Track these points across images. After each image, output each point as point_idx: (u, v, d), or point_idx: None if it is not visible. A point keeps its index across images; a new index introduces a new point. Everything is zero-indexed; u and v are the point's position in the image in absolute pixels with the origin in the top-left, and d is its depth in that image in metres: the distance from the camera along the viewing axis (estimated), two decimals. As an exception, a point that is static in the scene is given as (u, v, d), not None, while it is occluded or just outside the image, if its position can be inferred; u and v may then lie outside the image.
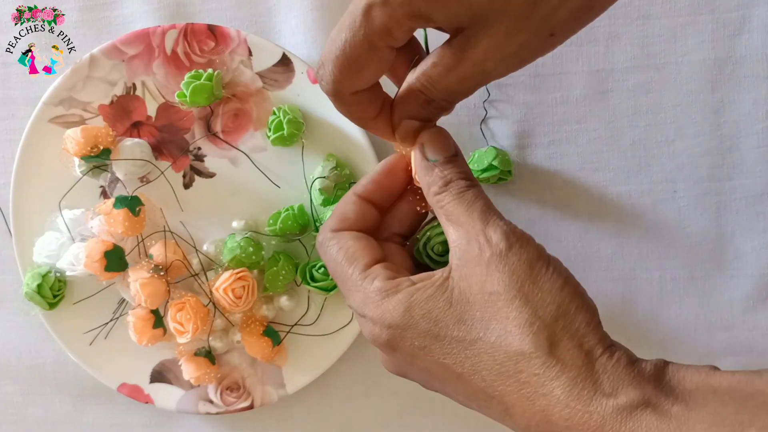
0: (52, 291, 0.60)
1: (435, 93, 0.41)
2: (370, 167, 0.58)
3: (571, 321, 0.38)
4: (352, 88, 0.42)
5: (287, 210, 0.58)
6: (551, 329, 0.38)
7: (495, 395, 0.39)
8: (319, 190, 0.58)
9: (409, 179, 0.46)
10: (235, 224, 0.60)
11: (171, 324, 0.58)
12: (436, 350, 0.40)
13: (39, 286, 0.59)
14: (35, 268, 0.60)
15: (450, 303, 0.40)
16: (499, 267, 0.39)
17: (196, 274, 0.60)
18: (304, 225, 0.59)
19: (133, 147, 0.59)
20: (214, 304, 0.59)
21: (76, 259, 0.58)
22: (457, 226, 0.41)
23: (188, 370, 0.60)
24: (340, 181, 0.58)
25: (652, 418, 0.36)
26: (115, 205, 0.57)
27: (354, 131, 0.58)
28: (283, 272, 0.59)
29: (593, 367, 0.37)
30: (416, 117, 0.43)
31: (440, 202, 0.42)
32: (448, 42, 0.39)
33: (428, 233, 0.46)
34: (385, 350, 0.42)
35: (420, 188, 0.44)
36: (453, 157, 0.43)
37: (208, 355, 0.61)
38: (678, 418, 0.35)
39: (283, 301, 0.60)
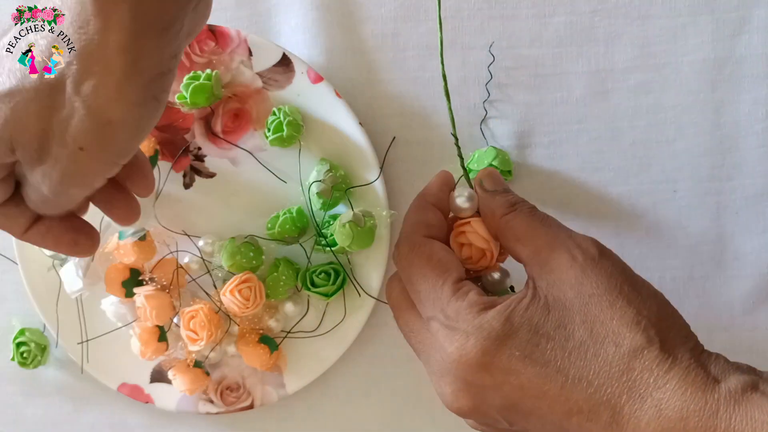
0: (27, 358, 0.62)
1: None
2: (369, 168, 0.58)
3: (673, 322, 0.40)
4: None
5: (285, 213, 0.58)
6: (658, 327, 0.39)
7: (603, 401, 0.38)
8: (317, 194, 0.57)
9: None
10: (201, 243, 0.60)
11: (184, 332, 0.58)
12: (539, 359, 0.39)
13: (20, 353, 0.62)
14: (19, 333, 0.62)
15: (548, 309, 0.39)
16: (595, 270, 0.40)
17: (203, 275, 0.60)
18: (303, 228, 0.59)
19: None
20: (224, 311, 0.59)
21: (73, 281, 0.59)
22: (531, 241, 0.42)
23: (183, 382, 0.59)
24: (336, 183, 0.58)
25: (763, 400, 0.37)
26: (119, 238, 0.58)
27: (354, 132, 0.58)
28: (284, 278, 0.59)
29: (700, 358, 0.39)
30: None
31: (509, 222, 0.43)
32: None
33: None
34: (472, 371, 0.40)
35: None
36: (508, 189, 0.45)
37: (202, 366, 0.61)
38: None
39: (288, 307, 0.60)
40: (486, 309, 0.40)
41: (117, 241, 0.58)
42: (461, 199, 0.46)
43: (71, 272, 0.59)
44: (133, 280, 0.59)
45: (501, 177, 0.46)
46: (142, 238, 0.58)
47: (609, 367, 0.38)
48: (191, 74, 0.57)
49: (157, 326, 0.59)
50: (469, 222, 0.46)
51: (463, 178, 0.48)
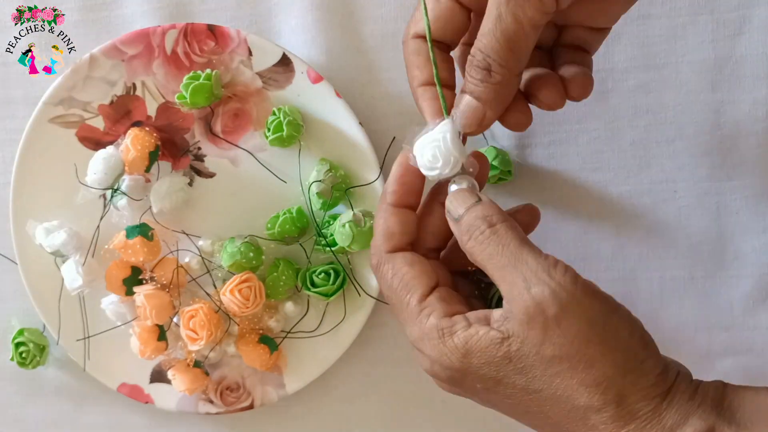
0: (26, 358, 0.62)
1: (473, 52, 0.41)
2: (369, 168, 0.58)
3: (640, 374, 0.39)
4: (414, 28, 0.45)
5: (285, 213, 0.58)
6: (620, 385, 0.38)
7: (565, 429, 0.40)
8: (317, 194, 0.57)
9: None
10: (201, 243, 0.60)
11: (183, 331, 0.58)
12: (500, 391, 0.40)
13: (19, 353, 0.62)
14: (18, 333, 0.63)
15: (509, 358, 0.39)
16: (557, 330, 0.38)
17: (205, 274, 0.60)
18: (302, 228, 0.59)
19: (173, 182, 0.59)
20: (224, 311, 0.59)
21: (74, 278, 0.59)
22: (496, 278, 0.40)
23: (183, 381, 0.59)
24: (336, 183, 0.58)
25: None
26: (127, 236, 0.58)
27: (353, 132, 0.58)
28: (284, 278, 0.59)
29: (660, 408, 0.38)
30: (467, 90, 0.43)
31: (472, 256, 0.41)
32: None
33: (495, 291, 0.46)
34: (445, 385, 0.43)
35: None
36: (473, 205, 0.42)
37: (201, 366, 0.61)
38: None
39: (288, 307, 0.60)
40: (445, 336, 0.41)
41: (124, 240, 0.58)
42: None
43: (71, 270, 0.59)
44: (134, 277, 0.59)
45: (462, 195, 0.43)
46: (151, 238, 0.58)
47: (567, 411, 0.39)
48: (191, 74, 0.57)
49: (157, 325, 0.59)
50: None
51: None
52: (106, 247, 0.59)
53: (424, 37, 0.44)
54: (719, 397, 0.39)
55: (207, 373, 0.61)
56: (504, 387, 0.40)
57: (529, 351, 0.39)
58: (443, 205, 0.44)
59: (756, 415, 0.38)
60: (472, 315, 0.41)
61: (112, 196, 0.59)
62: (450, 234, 0.45)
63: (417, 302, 0.42)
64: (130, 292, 0.59)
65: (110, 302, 0.60)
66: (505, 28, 0.40)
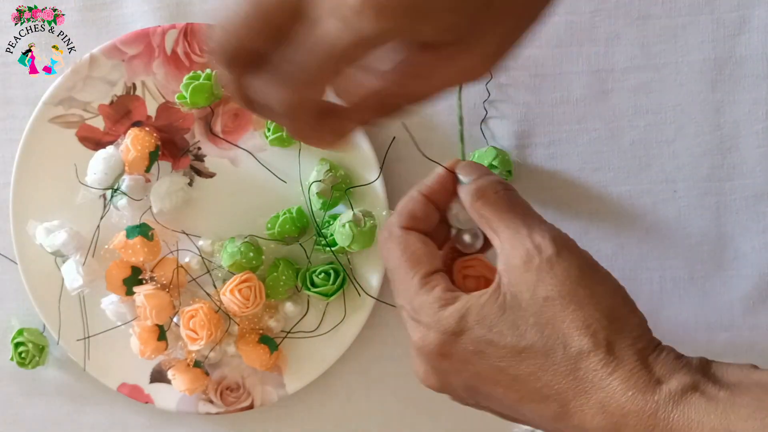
0: (26, 357, 0.62)
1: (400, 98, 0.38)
2: (369, 168, 0.58)
3: (625, 324, 0.40)
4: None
5: (285, 213, 0.58)
6: (608, 330, 0.40)
7: (551, 394, 0.40)
8: (317, 194, 0.57)
9: None
10: (201, 243, 0.60)
11: (183, 331, 0.58)
12: (492, 354, 0.41)
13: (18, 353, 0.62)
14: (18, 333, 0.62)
15: (503, 309, 0.41)
16: (550, 272, 0.40)
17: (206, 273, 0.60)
18: (302, 228, 0.59)
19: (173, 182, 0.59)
20: (224, 310, 0.59)
21: (74, 278, 0.59)
22: (501, 231, 0.42)
23: (183, 381, 0.59)
24: (336, 183, 0.58)
25: (701, 401, 0.38)
26: (127, 236, 0.58)
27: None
28: (283, 278, 0.59)
29: (646, 360, 0.40)
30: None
31: (479, 211, 0.44)
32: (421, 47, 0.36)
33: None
34: (433, 358, 0.43)
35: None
36: (488, 172, 0.45)
37: (201, 366, 0.61)
38: (724, 402, 0.38)
39: (288, 307, 0.60)
40: (446, 305, 0.42)
41: (124, 240, 0.58)
42: (467, 236, 0.47)
43: (72, 270, 0.59)
44: (134, 277, 0.59)
45: (478, 166, 0.46)
46: (151, 238, 0.58)
47: (557, 366, 0.40)
48: (191, 74, 0.57)
49: (157, 325, 0.59)
50: (476, 257, 0.47)
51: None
52: (107, 247, 0.59)
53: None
54: (704, 366, 0.40)
55: (207, 373, 0.61)
56: (495, 348, 0.40)
57: (522, 296, 0.40)
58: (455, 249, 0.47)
59: (739, 384, 0.39)
60: (472, 293, 0.43)
61: (112, 196, 0.59)
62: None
63: (423, 275, 0.43)
64: (130, 292, 0.59)
65: (110, 302, 0.60)
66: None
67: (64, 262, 0.60)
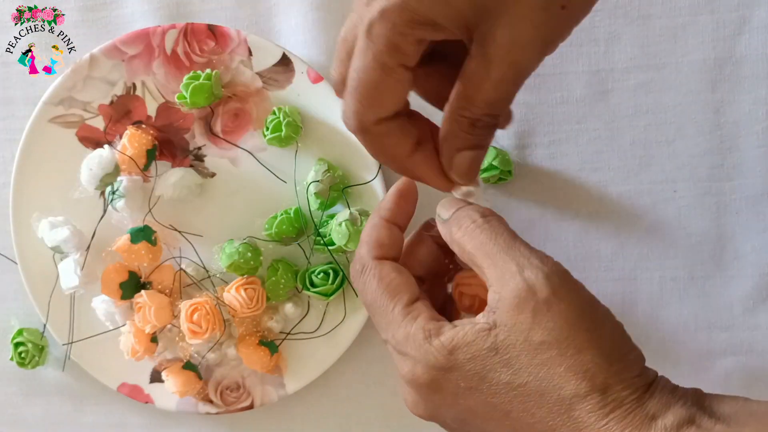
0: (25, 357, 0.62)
1: (476, 111, 0.39)
2: (368, 169, 0.58)
3: (624, 365, 0.39)
4: (375, 116, 0.40)
5: (283, 214, 0.58)
6: (606, 374, 0.38)
7: (546, 430, 0.39)
8: (315, 194, 0.58)
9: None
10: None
11: (185, 325, 0.58)
12: (484, 390, 0.40)
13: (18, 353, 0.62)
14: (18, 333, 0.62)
15: (495, 350, 0.39)
16: (546, 315, 0.38)
17: (208, 276, 0.60)
18: (300, 228, 0.59)
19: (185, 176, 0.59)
20: (224, 305, 0.59)
21: (70, 278, 0.59)
22: (486, 268, 0.40)
23: (175, 383, 0.59)
24: (333, 184, 0.58)
25: None
26: (132, 240, 0.58)
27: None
28: (283, 281, 0.59)
29: (641, 399, 0.38)
30: (467, 146, 0.41)
31: (459, 244, 0.41)
32: (469, 54, 0.38)
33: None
34: (423, 391, 0.41)
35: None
36: (465, 205, 0.43)
37: (195, 369, 0.61)
38: None
39: (288, 308, 0.60)
40: (432, 336, 0.40)
41: (128, 243, 0.58)
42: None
43: (69, 268, 0.59)
44: (130, 282, 0.59)
45: (455, 201, 0.43)
46: (154, 243, 0.58)
47: (552, 405, 0.38)
48: (191, 74, 0.57)
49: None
50: (474, 275, 0.44)
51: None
52: (109, 249, 0.59)
53: (388, 119, 0.41)
54: (698, 398, 0.39)
55: (200, 377, 0.61)
56: (488, 384, 0.39)
57: (516, 339, 0.39)
58: (433, 237, 0.45)
59: (735, 415, 0.38)
60: (457, 321, 0.41)
61: (111, 199, 0.58)
62: (436, 267, 0.46)
63: (403, 306, 0.42)
64: (125, 296, 0.59)
65: (101, 301, 0.60)
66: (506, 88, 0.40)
67: (61, 259, 0.60)
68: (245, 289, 0.57)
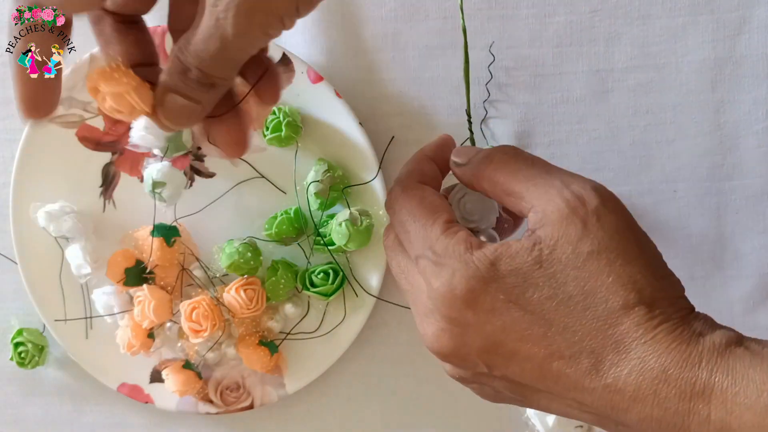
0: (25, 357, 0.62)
1: (187, 58, 0.37)
2: (369, 168, 0.58)
3: (668, 284, 0.39)
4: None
5: (283, 214, 0.58)
6: (653, 287, 0.38)
7: (584, 349, 0.38)
8: (315, 194, 0.58)
9: None
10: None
11: (186, 324, 0.58)
12: (525, 304, 0.38)
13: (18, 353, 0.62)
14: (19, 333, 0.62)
15: (539, 263, 0.38)
16: (596, 225, 0.38)
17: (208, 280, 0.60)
18: (300, 228, 0.59)
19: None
20: (224, 305, 0.59)
21: (78, 264, 0.59)
22: (527, 190, 0.40)
23: (175, 382, 0.59)
24: (333, 184, 0.58)
25: (746, 354, 0.36)
26: (152, 233, 0.58)
27: (353, 132, 0.58)
28: (283, 281, 0.59)
29: (687, 318, 0.38)
30: (178, 91, 0.39)
31: (492, 178, 0.41)
32: None
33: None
34: (457, 307, 0.39)
35: None
36: (480, 150, 0.44)
37: (195, 368, 0.61)
38: None
39: (288, 308, 0.60)
40: (474, 248, 0.39)
41: (148, 233, 0.58)
42: (483, 238, 0.45)
43: (78, 256, 0.59)
44: (136, 269, 0.59)
45: (469, 147, 0.45)
46: (171, 244, 0.58)
47: (596, 321, 0.38)
48: None
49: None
50: None
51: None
52: (129, 232, 0.60)
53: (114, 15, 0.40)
54: (739, 335, 0.39)
55: (200, 376, 0.61)
56: (529, 298, 0.38)
57: (563, 252, 0.38)
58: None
59: None
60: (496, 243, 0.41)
61: (154, 192, 0.58)
62: None
63: (445, 221, 0.41)
64: (128, 282, 0.59)
65: (102, 293, 0.60)
66: None
67: (68, 244, 0.60)
68: (245, 290, 0.57)
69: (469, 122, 0.51)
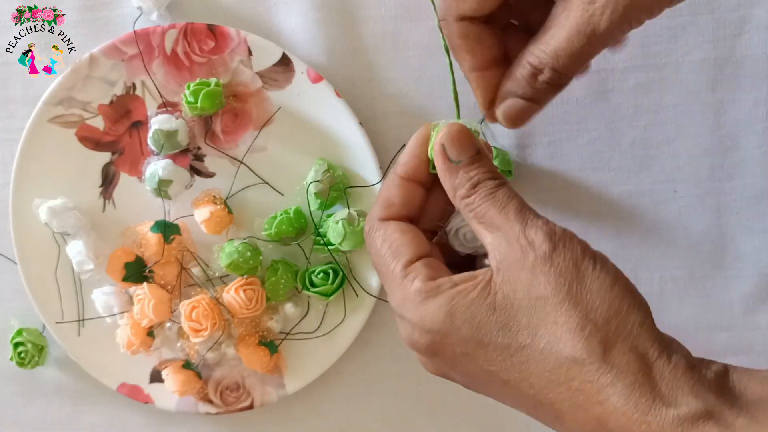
0: (24, 357, 0.62)
1: (543, 58, 0.39)
2: (369, 168, 0.58)
3: (624, 322, 0.36)
4: (456, 12, 0.40)
5: (283, 213, 0.58)
6: (603, 332, 0.36)
7: (545, 402, 0.37)
8: (315, 194, 0.58)
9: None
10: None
11: (186, 324, 0.58)
12: (480, 357, 0.38)
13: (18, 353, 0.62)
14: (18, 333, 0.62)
15: (493, 309, 0.38)
16: (544, 270, 0.37)
17: (208, 279, 0.60)
18: (300, 228, 0.59)
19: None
20: (223, 305, 0.59)
21: (80, 260, 0.59)
22: (493, 229, 0.40)
23: (175, 382, 0.59)
24: (333, 183, 0.58)
25: (714, 431, 0.34)
26: (152, 228, 0.59)
27: (353, 132, 0.58)
28: (283, 281, 0.59)
29: (650, 372, 0.35)
30: (523, 95, 0.41)
31: (470, 206, 0.41)
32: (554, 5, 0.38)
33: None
34: (424, 354, 0.41)
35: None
36: (477, 155, 0.42)
37: (195, 368, 0.61)
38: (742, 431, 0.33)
39: (288, 308, 0.60)
40: (429, 298, 0.39)
41: (148, 228, 0.59)
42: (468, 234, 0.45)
43: (81, 252, 0.59)
44: (135, 265, 0.60)
45: (469, 139, 0.43)
46: (169, 242, 0.58)
47: (550, 374, 0.37)
48: (198, 81, 0.57)
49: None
50: None
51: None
52: (132, 226, 0.60)
53: (470, 19, 0.42)
54: (720, 380, 0.36)
55: (200, 376, 0.61)
56: (485, 350, 0.38)
57: (516, 297, 0.38)
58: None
59: (761, 402, 0.34)
60: (457, 276, 0.40)
61: (160, 191, 0.58)
62: (445, 218, 0.45)
63: (402, 267, 0.41)
64: (127, 278, 0.59)
65: (102, 293, 0.60)
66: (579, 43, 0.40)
67: (68, 241, 0.60)
68: (244, 290, 0.58)
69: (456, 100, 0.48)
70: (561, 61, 0.40)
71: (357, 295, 0.59)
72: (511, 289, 0.38)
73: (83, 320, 0.61)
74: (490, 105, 0.44)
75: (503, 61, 0.44)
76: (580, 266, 0.38)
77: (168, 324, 0.60)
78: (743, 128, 0.58)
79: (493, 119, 0.44)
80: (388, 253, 0.42)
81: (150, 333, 0.60)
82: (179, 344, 0.61)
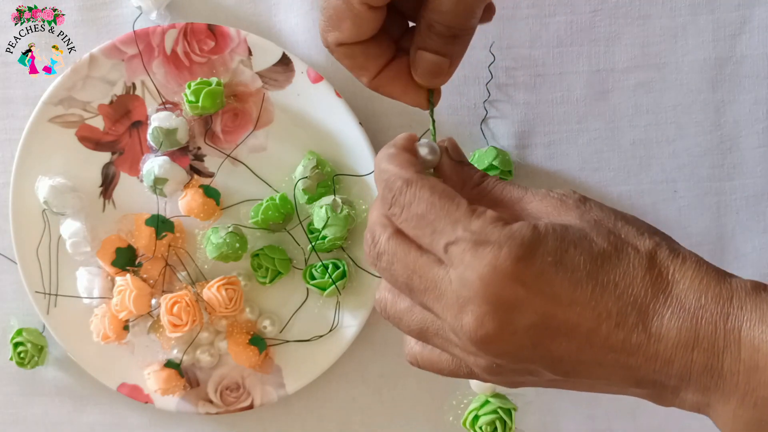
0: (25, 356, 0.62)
1: (434, 15, 0.41)
2: (368, 169, 0.58)
3: (664, 234, 0.42)
4: (335, 39, 0.42)
5: (269, 200, 0.58)
6: (659, 234, 0.41)
7: (629, 302, 0.38)
8: (303, 190, 0.58)
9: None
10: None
11: (165, 317, 0.58)
12: (569, 263, 0.39)
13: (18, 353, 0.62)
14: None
15: (566, 226, 0.40)
16: (587, 204, 0.42)
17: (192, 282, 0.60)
18: (287, 214, 0.59)
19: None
20: (203, 301, 0.59)
21: (75, 241, 0.60)
22: (514, 202, 0.42)
23: (157, 380, 0.60)
24: (322, 180, 0.58)
25: None
26: (147, 221, 0.59)
27: (353, 132, 0.58)
28: (273, 259, 0.59)
29: (704, 260, 0.40)
30: (428, 48, 0.42)
31: (483, 191, 0.43)
32: None
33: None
34: (506, 285, 0.38)
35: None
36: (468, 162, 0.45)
37: (177, 367, 0.61)
38: None
39: (267, 324, 0.61)
40: (510, 222, 0.39)
41: (143, 220, 0.59)
42: (424, 150, 0.43)
43: (78, 233, 0.59)
44: (126, 251, 0.60)
45: (460, 149, 0.45)
46: (160, 237, 0.59)
47: (632, 269, 0.39)
48: (198, 80, 0.57)
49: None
50: None
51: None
52: (130, 214, 0.60)
53: (345, 44, 0.43)
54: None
55: (182, 375, 0.61)
56: (572, 256, 0.39)
57: (576, 222, 0.40)
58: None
59: None
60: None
61: (155, 189, 0.59)
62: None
63: (467, 205, 0.40)
64: (116, 262, 0.60)
65: (87, 272, 0.61)
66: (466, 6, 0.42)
67: (61, 220, 0.60)
68: (226, 289, 0.58)
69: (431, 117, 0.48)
70: (445, 17, 0.41)
71: (358, 295, 0.59)
72: (567, 220, 0.41)
73: (65, 296, 0.61)
74: (410, 90, 0.44)
75: (403, 55, 0.44)
76: (617, 211, 0.42)
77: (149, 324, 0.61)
78: (743, 128, 0.58)
79: (417, 97, 0.45)
80: (446, 194, 0.40)
81: (126, 326, 0.60)
82: (149, 335, 0.61)
